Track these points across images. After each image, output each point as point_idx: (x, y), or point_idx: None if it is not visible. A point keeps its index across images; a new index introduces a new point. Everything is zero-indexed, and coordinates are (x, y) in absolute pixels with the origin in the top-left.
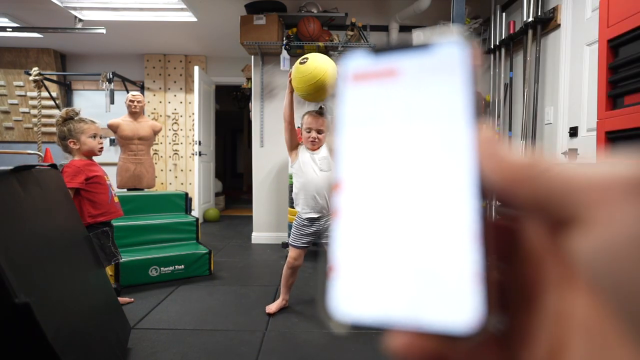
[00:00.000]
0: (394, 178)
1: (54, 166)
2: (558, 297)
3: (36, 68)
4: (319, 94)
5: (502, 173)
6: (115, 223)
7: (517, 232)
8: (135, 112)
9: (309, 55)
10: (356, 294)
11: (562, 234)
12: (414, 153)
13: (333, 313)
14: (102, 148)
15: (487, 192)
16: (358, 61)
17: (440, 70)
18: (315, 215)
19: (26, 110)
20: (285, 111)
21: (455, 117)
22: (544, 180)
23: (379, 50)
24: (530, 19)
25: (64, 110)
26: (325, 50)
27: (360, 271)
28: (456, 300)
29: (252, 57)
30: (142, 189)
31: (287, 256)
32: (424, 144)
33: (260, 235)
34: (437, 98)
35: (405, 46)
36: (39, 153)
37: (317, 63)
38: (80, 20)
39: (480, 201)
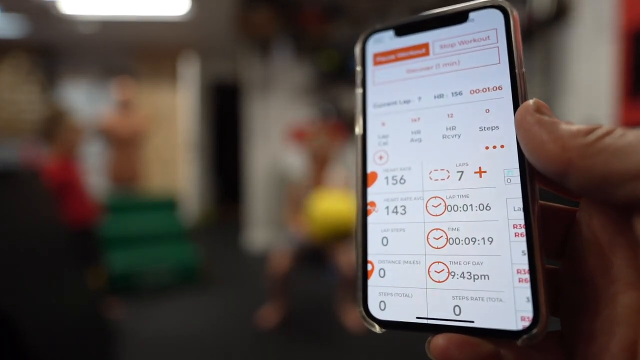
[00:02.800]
0: (429, 166)
1: (33, 168)
2: (636, 292)
3: (21, 63)
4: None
5: (553, 150)
6: (104, 226)
7: (574, 219)
8: (125, 107)
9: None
10: (393, 294)
11: (634, 218)
12: (451, 137)
13: (369, 315)
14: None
15: (537, 175)
16: (383, 38)
17: (477, 40)
18: None
19: (8, 105)
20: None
21: (498, 93)
22: (608, 153)
23: (406, 24)
24: (545, 8)
25: (53, 107)
26: (327, 40)
27: (396, 270)
28: (505, 299)
29: (250, 51)
30: (132, 187)
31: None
32: (461, 126)
33: (256, 238)
34: (475, 72)
35: (436, 17)
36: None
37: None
38: (69, 13)
39: (528, 186)
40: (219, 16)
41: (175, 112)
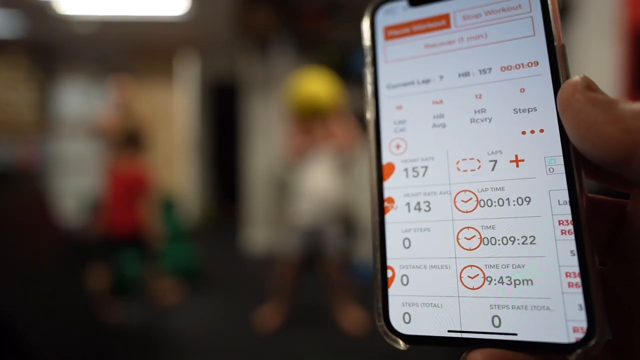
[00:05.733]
0: (456, 155)
1: (29, 170)
2: None
3: (18, 62)
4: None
5: (613, 133)
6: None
7: (622, 212)
8: (123, 106)
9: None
10: (419, 305)
11: None
12: (481, 121)
13: (392, 329)
14: None
15: (586, 164)
16: (395, 9)
17: (506, 10)
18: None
19: (5, 104)
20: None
21: (534, 69)
22: None
23: None
24: None
25: (135, 116)
26: (328, 39)
27: (422, 276)
28: (553, 308)
29: (249, 49)
30: None
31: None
32: (492, 108)
33: (255, 238)
34: (505, 46)
35: None
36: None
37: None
38: (67, 14)
39: (575, 175)
40: (218, 15)
41: (175, 112)
